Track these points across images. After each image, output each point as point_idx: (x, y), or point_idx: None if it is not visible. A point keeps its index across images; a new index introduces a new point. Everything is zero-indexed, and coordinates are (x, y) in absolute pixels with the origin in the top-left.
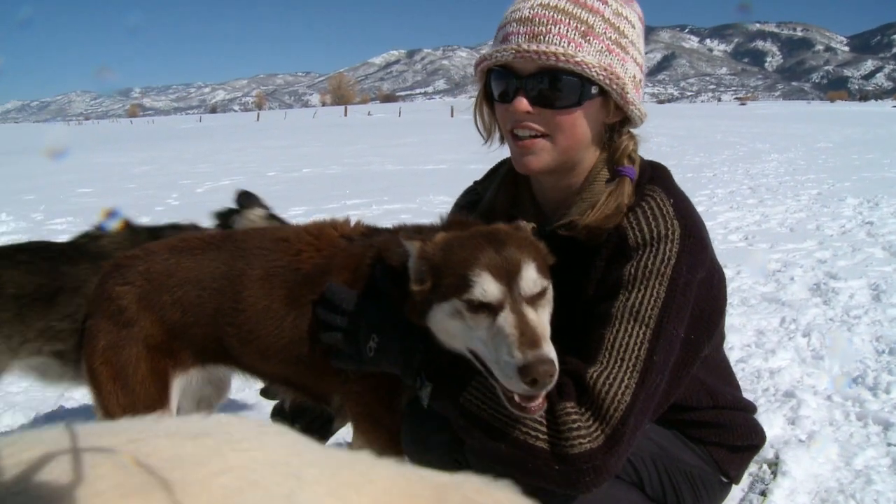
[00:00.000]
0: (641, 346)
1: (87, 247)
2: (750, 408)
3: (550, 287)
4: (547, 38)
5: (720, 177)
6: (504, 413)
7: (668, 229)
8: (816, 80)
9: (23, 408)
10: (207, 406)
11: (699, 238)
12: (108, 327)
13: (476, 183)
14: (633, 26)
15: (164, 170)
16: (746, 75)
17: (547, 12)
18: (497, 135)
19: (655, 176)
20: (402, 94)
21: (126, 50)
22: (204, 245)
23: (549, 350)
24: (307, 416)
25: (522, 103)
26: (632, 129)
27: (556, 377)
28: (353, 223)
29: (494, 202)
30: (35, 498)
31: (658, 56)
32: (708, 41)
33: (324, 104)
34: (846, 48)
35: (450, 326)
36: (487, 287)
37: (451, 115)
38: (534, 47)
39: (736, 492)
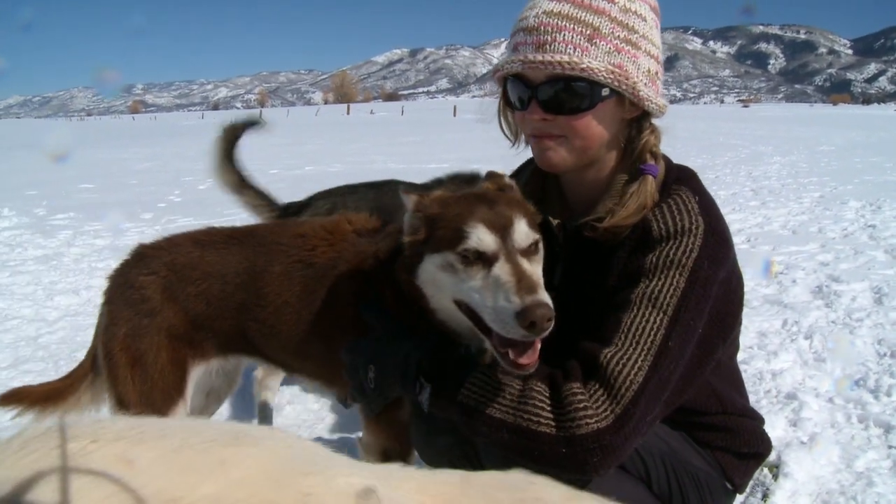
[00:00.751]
0: (658, 331)
1: None
2: (758, 417)
3: (541, 242)
4: (552, 47)
5: (722, 179)
6: (505, 402)
7: (693, 224)
8: (819, 83)
9: None
10: (216, 399)
11: (723, 237)
12: (130, 315)
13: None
14: (645, 19)
15: (167, 166)
16: (749, 77)
17: (551, 20)
18: (522, 137)
19: (682, 177)
20: (405, 92)
21: (129, 46)
22: (227, 239)
23: (545, 296)
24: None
25: (536, 111)
26: (654, 122)
27: (552, 323)
28: (368, 218)
29: (524, 196)
30: None
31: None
32: (711, 43)
33: (326, 102)
34: (849, 51)
35: (439, 278)
36: (483, 238)
37: (454, 115)
38: (539, 57)
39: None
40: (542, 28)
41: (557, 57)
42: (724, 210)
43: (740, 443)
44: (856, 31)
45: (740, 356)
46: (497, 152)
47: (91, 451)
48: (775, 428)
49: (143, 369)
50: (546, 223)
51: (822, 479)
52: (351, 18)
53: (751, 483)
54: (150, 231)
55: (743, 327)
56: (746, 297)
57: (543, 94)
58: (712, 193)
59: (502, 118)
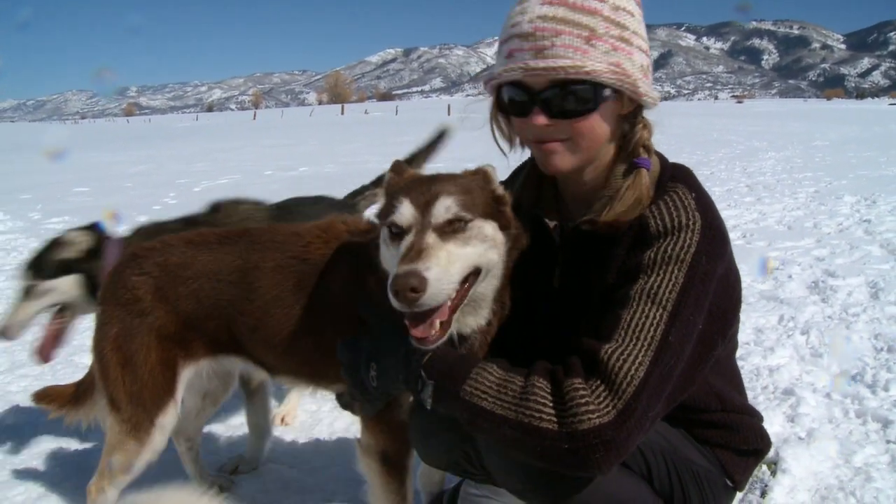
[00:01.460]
0: (657, 326)
1: None
2: (757, 415)
3: (477, 223)
4: (552, 52)
5: (717, 175)
6: (507, 399)
7: (690, 220)
8: (813, 78)
9: (24, 406)
10: (213, 402)
11: (720, 232)
12: (122, 315)
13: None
14: (633, 14)
15: (161, 169)
16: (743, 73)
17: (547, 24)
18: (517, 142)
19: (678, 174)
20: (399, 92)
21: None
22: (220, 239)
23: (419, 265)
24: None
25: (539, 118)
26: (646, 116)
27: (421, 294)
28: (362, 219)
29: (520, 200)
30: None
31: (655, 54)
32: (705, 39)
33: (320, 103)
34: (843, 46)
35: (382, 251)
36: (404, 211)
37: (448, 114)
38: (542, 64)
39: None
40: (539, 33)
41: (560, 62)
42: (719, 206)
43: (740, 440)
44: (849, 25)
45: (737, 352)
46: (495, 149)
47: None
48: (773, 424)
49: (133, 370)
50: (542, 225)
51: (820, 474)
52: (344, 18)
53: (749, 480)
54: None
55: (740, 323)
56: (743, 293)
57: (546, 101)
58: (707, 190)
59: (495, 126)
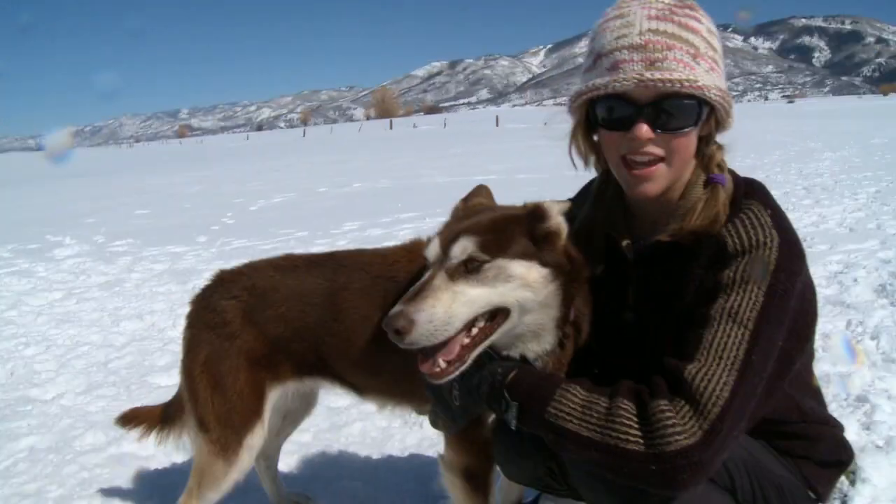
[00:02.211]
0: (740, 346)
1: None
2: (838, 425)
3: (498, 263)
4: (665, 65)
5: (773, 178)
6: (593, 421)
7: (767, 237)
8: (868, 74)
9: (103, 426)
10: (293, 421)
11: (797, 248)
12: (211, 338)
13: (568, 200)
14: (718, 39)
15: (217, 189)
16: (793, 72)
17: (659, 38)
18: (591, 163)
19: (751, 191)
20: (446, 104)
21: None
22: (307, 263)
23: (411, 306)
24: None
25: (644, 130)
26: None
27: (404, 336)
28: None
29: (594, 220)
30: None
31: None
32: (752, 39)
33: (368, 118)
34: None
35: None
36: (431, 248)
37: (497, 125)
38: (657, 75)
39: None
40: (651, 46)
41: (675, 75)
42: None
43: (821, 451)
44: None
45: None
46: (544, 161)
47: None
48: (848, 432)
49: (222, 392)
50: (614, 244)
51: None
52: (389, 33)
53: None
54: (206, 254)
55: None
56: None
57: (654, 113)
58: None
59: (574, 142)
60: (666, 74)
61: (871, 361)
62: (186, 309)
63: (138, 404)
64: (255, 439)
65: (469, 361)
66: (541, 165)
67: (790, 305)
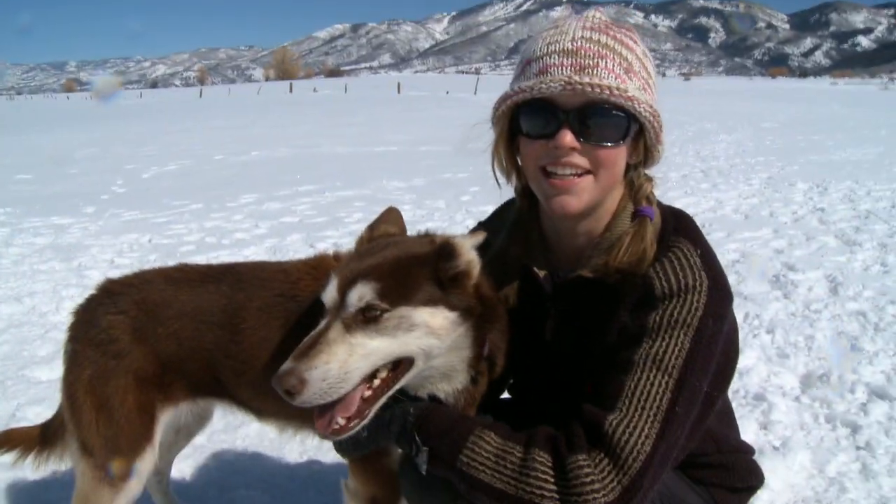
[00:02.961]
0: (663, 395)
1: None
2: (750, 450)
3: (399, 311)
4: (596, 72)
5: (672, 159)
6: (506, 472)
7: (696, 280)
8: (758, 57)
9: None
10: (186, 436)
11: (725, 291)
12: (96, 356)
13: (481, 224)
14: (653, 65)
15: (107, 153)
16: (690, 51)
17: (592, 46)
18: (514, 179)
19: (679, 227)
20: (347, 68)
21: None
22: (203, 277)
23: (302, 364)
24: None
25: (567, 138)
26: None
27: (301, 395)
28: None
29: (507, 251)
30: None
31: None
32: (653, 17)
33: (267, 79)
34: (787, 26)
35: None
36: (328, 291)
37: (399, 91)
38: (587, 79)
39: None
40: (583, 52)
41: (605, 81)
42: (676, 194)
43: (735, 478)
44: (792, 6)
45: None
46: (445, 133)
47: None
48: (747, 432)
49: (108, 414)
50: (531, 274)
51: (796, 486)
52: None
53: None
54: (94, 227)
55: None
56: None
57: (579, 120)
58: (663, 175)
59: (495, 157)
60: (595, 80)
61: (766, 356)
62: (71, 290)
63: (14, 402)
64: (145, 464)
65: (370, 416)
66: (444, 137)
67: (717, 349)
